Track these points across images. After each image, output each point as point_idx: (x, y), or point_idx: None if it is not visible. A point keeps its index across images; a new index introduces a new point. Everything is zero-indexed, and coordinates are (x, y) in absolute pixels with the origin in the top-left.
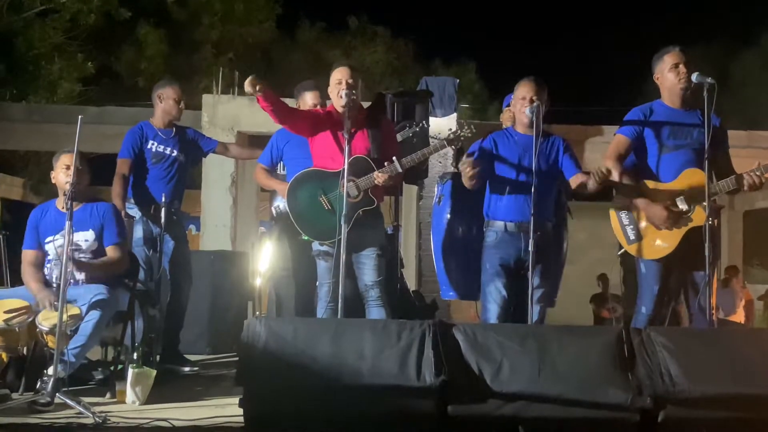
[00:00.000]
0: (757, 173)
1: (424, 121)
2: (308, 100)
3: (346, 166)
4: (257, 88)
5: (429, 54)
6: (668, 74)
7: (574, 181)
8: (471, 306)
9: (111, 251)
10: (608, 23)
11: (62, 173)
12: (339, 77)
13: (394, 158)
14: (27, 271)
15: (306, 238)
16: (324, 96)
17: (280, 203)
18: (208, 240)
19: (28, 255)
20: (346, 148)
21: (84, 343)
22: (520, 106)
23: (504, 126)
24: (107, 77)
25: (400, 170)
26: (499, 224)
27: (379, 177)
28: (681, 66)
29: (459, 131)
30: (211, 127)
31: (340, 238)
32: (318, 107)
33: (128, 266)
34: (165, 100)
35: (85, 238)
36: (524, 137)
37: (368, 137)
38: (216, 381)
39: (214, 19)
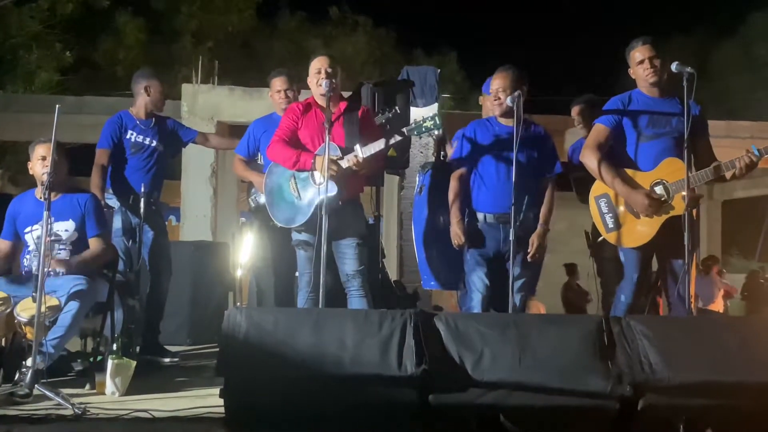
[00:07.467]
0: (746, 159)
1: (396, 107)
2: (275, 86)
3: (327, 155)
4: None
5: (410, 43)
6: (637, 69)
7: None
8: (452, 295)
9: (94, 243)
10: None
11: (38, 164)
12: (318, 66)
13: (357, 146)
14: None
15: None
16: (292, 81)
17: (257, 196)
18: (188, 230)
19: (1, 244)
20: (327, 137)
21: (63, 334)
22: (494, 98)
23: (484, 113)
24: (86, 67)
25: (361, 155)
26: (480, 215)
27: (347, 163)
28: (646, 62)
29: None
30: (190, 116)
31: (321, 228)
32: (286, 92)
33: (113, 256)
34: (153, 93)
35: (66, 228)
36: (505, 127)
37: (345, 127)
38: (196, 372)
39: (194, 8)
